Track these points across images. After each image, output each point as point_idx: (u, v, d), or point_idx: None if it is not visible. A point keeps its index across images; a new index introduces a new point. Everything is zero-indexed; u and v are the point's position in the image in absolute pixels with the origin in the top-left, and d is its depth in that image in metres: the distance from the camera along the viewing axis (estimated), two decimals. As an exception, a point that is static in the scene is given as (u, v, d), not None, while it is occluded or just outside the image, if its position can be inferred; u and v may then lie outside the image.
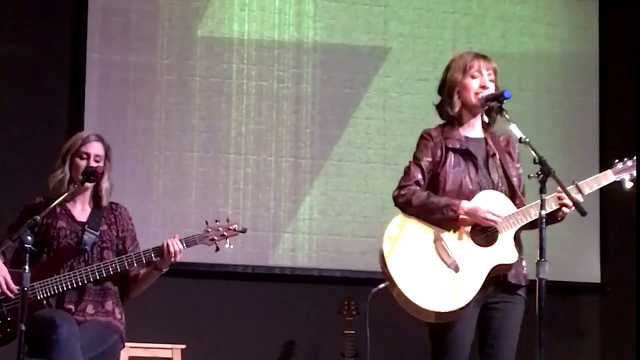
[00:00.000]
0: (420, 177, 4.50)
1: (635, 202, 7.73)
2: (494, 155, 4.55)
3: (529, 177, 4.22)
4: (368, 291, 6.35)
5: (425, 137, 4.57)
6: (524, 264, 4.51)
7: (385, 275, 4.43)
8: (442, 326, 4.40)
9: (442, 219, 4.40)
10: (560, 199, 4.41)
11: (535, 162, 4.18)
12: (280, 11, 7.56)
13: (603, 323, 7.97)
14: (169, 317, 7.04)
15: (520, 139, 4.25)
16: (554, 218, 4.45)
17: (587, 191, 4.48)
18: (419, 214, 4.44)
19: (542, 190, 4.17)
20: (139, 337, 5.88)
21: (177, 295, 7.01)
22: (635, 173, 4.59)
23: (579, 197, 4.36)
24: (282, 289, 7.39)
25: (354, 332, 6.76)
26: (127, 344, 5.13)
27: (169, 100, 7.35)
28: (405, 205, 4.47)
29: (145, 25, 7.35)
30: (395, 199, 4.51)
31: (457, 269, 4.36)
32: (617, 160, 4.63)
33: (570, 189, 4.34)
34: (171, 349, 6.50)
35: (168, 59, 7.37)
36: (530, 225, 4.44)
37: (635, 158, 4.61)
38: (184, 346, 6.49)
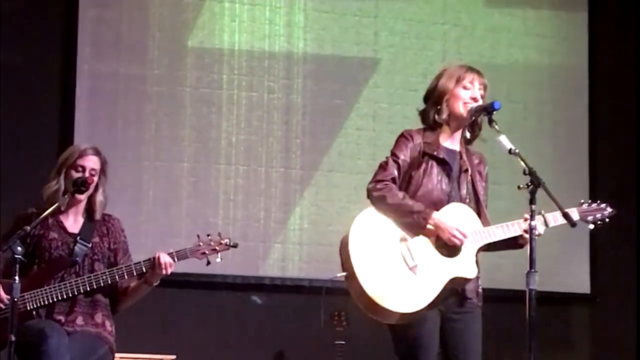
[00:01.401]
0: (396, 173, 4.51)
1: (625, 213, 7.76)
2: (466, 170, 4.59)
3: (518, 187, 4.22)
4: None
5: (405, 136, 4.59)
6: (480, 282, 4.56)
7: (345, 265, 4.41)
8: (402, 328, 4.39)
9: (410, 223, 4.41)
10: (525, 225, 4.43)
11: (524, 173, 4.20)
12: (270, 22, 7.57)
13: (592, 333, 7.99)
14: (159, 327, 7.03)
15: (510, 149, 4.28)
16: (515, 243, 4.53)
17: (551, 223, 4.53)
18: (389, 212, 4.43)
19: (532, 201, 4.20)
20: (128, 347, 5.87)
21: (167, 305, 7.00)
22: (598, 216, 4.73)
23: (542, 229, 4.41)
24: (272, 299, 7.39)
25: (343, 343, 6.76)
26: (116, 355, 5.12)
27: (159, 111, 7.35)
28: (378, 200, 4.46)
29: (135, 35, 7.35)
30: (369, 191, 4.49)
31: (415, 273, 4.38)
32: (582, 201, 4.75)
33: (537, 217, 4.36)
34: (161, 359, 6.49)
35: (158, 70, 7.37)
36: (490, 247, 4.51)
37: (599, 202, 4.76)
38: (173, 357, 6.49)
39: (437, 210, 4.44)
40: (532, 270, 4.12)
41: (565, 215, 4.25)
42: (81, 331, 4.92)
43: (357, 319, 6.51)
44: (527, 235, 4.42)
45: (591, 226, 4.74)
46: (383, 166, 4.53)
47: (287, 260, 7.46)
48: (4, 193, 6.75)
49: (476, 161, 4.66)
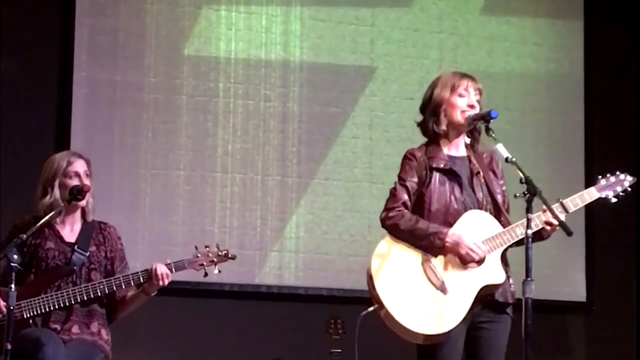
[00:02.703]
0: (406, 197, 4.50)
1: (621, 221, 7.78)
2: (478, 173, 4.57)
3: (515, 196, 4.23)
4: (355, 309, 6.32)
5: (409, 157, 4.57)
6: (511, 281, 4.52)
7: (373, 297, 4.42)
8: (429, 347, 4.40)
9: (427, 245, 4.40)
10: (545, 217, 4.43)
11: (521, 182, 4.20)
12: (267, 30, 7.58)
13: (588, 341, 7.99)
14: (155, 336, 7.03)
15: (507, 158, 4.28)
16: (539, 236, 4.47)
17: (571, 208, 4.52)
18: (405, 238, 4.43)
19: (528, 210, 4.20)
20: (125, 355, 5.85)
21: (164, 314, 6.99)
22: (619, 189, 4.63)
23: (562, 216, 4.38)
24: (269, 308, 7.38)
25: (340, 351, 6.75)
26: (112, 363, 5.13)
27: (156, 119, 7.35)
28: (392, 228, 4.47)
29: (132, 43, 7.35)
30: (382, 221, 4.51)
31: (445, 291, 4.37)
32: (599, 177, 4.69)
33: (555, 206, 4.36)
34: (157, 367, 6.49)
35: (155, 77, 7.37)
36: (516, 244, 4.47)
37: (617, 173, 4.67)
38: (169, 365, 6.48)
39: (456, 221, 4.44)
40: (529, 279, 4.12)
41: (562, 225, 4.25)
42: (77, 340, 4.92)
43: (353, 326, 6.51)
44: (548, 227, 4.45)
45: (614, 199, 4.65)
46: (393, 193, 4.53)
47: (284, 268, 7.46)
48: (0, 202, 6.74)
49: (487, 160, 4.63)
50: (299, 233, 7.49)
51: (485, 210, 4.51)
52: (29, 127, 7.13)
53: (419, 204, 4.51)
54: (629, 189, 4.67)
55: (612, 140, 7.96)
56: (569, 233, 4.19)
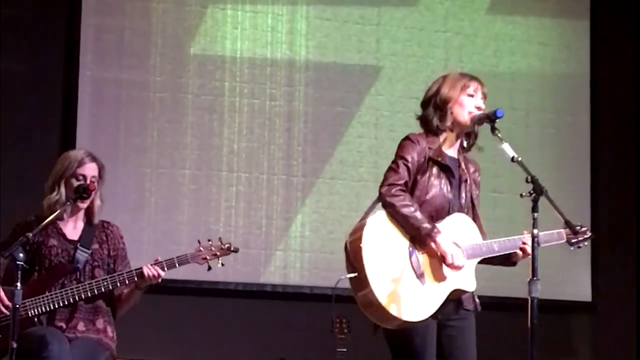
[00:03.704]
0: (407, 178, 4.50)
1: (627, 221, 7.77)
2: (466, 180, 4.61)
3: (521, 195, 4.23)
4: (360, 309, 6.31)
5: (412, 140, 4.57)
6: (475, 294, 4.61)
7: (355, 266, 4.40)
8: (404, 336, 4.41)
9: (417, 236, 4.42)
10: (523, 243, 4.52)
11: (527, 181, 4.21)
12: (272, 29, 7.58)
13: (594, 341, 7.98)
14: (161, 334, 7.03)
15: (512, 157, 4.29)
16: (509, 260, 4.60)
17: (542, 243, 4.53)
18: (397, 220, 4.43)
19: (534, 209, 4.20)
20: (129, 354, 5.86)
21: (169, 312, 7.00)
22: (579, 239, 4.81)
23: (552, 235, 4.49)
24: (274, 307, 7.38)
25: (345, 350, 6.75)
26: (118, 361, 5.14)
27: (161, 118, 7.35)
28: (389, 206, 4.44)
29: (137, 42, 7.36)
30: (382, 194, 4.48)
31: (423, 282, 4.40)
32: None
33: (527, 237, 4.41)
34: (162, 366, 6.49)
35: (160, 77, 7.37)
36: (484, 260, 4.55)
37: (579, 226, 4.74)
38: (174, 363, 6.49)
39: (439, 217, 4.47)
40: (535, 278, 4.13)
41: (568, 224, 4.26)
42: (82, 337, 4.93)
43: (359, 326, 6.51)
44: (520, 253, 4.56)
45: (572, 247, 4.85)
46: (394, 169, 4.51)
47: (289, 267, 7.46)
48: (6, 199, 6.75)
49: (472, 169, 4.68)
50: (304, 232, 7.49)
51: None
52: (35, 126, 7.14)
53: (412, 190, 4.52)
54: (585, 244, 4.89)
55: (617, 141, 7.95)
56: (575, 232, 4.19)
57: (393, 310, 4.33)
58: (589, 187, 7.88)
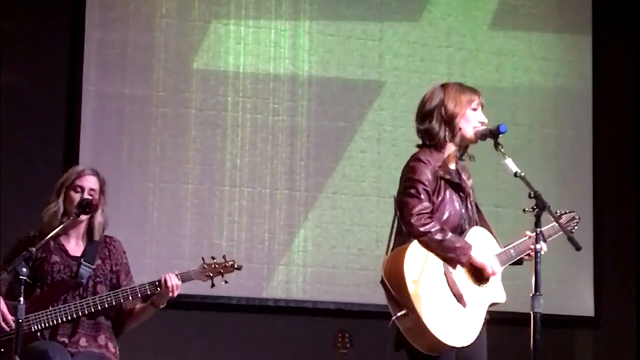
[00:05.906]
0: (429, 202, 4.39)
1: (629, 235, 7.77)
2: (469, 192, 4.59)
3: (523, 210, 4.22)
4: (362, 323, 6.34)
5: (423, 161, 4.45)
6: None
7: (399, 298, 4.31)
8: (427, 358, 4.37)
9: (451, 258, 4.33)
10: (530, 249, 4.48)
11: (530, 196, 4.20)
12: (275, 44, 7.59)
13: (596, 356, 7.97)
14: (163, 349, 7.02)
15: (515, 172, 4.28)
16: (518, 260, 4.58)
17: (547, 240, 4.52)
18: (432, 248, 4.33)
19: (537, 224, 4.20)
20: (132, 368, 5.87)
21: (171, 327, 6.99)
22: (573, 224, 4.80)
23: (544, 246, 4.36)
24: (276, 321, 7.38)
25: (348, 365, 6.75)
26: (120, 376, 5.13)
27: (164, 132, 7.36)
28: (422, 235, 4.31)
29: (141, 57, 7.37)
30: (413, 225, 4.32)
31: (463, 304, 4.36)
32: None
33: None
34: (164, 380, 6.48)
35: (163, 91, 7.38)
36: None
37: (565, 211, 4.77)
38: (177, 378, 6.48)
39: (456, 234, 4.44)
40: (538, 293, 4.12)
41: (571, 239, 4.24)
42: (84, 352, 4.92)
43: (360, 340, 6.51)
44: (527, 257, 4.53)
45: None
46: (416, 196, 4.37)
47: (291, 282, 7.45)
48: (8, 213, 6.75)
49: (466, 176, 4.63)
50: (306, 247, 7.49)
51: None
52: (38, 140, 7.15)
53: None
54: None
55: (619, 156, 7.96)
56: (578, 248, 4.18)
57: (443, 337, 4.26)
58: (591, 202, 7.88)
